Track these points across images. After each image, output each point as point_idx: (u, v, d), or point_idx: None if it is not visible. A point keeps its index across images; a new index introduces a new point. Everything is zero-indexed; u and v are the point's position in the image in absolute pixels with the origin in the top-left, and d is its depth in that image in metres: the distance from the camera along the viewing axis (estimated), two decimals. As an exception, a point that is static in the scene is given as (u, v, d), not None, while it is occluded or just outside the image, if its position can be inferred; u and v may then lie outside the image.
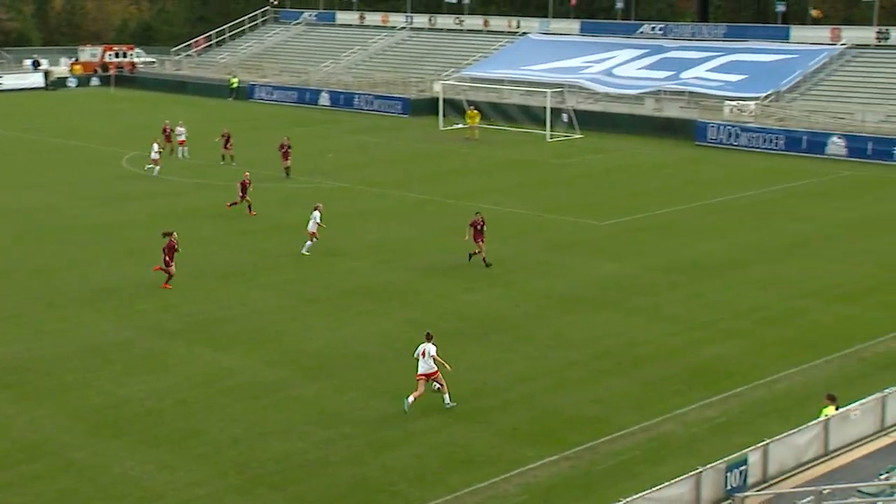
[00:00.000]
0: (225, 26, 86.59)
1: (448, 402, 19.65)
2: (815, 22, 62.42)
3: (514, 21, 73.27)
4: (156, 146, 43.39)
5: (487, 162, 47.10)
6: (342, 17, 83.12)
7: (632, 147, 51.25)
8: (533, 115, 57.29)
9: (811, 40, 59.07)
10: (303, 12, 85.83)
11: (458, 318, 24.94)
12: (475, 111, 53.65)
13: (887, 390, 17.97)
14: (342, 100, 66.23)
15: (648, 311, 25.44)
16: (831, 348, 22.81)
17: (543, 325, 24.47)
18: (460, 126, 56.64)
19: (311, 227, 30.21)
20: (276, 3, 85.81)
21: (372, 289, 27.24)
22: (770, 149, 49.34)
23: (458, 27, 75.57)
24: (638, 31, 66.83)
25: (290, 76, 74.06)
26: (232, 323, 24.50)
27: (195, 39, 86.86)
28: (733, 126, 51.01)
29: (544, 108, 54.79)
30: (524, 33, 71.31)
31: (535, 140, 53.26)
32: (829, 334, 23.76)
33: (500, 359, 22.39)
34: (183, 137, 47.15)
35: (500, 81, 63.43)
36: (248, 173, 36.89)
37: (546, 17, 74.13)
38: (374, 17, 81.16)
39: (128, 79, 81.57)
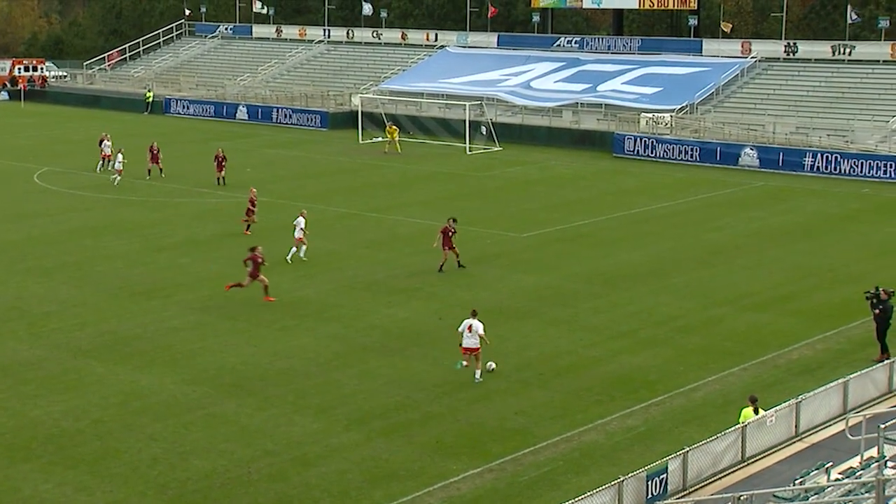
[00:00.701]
0: (139, 39, 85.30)
1: (478, 377, 21.48)
2: (727, 35, 64.03)
3: (432, 34, 73.62)
4: (120, 156, 43.92)
5: (407, 175, 47.12)
6: (259, 30, 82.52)
7: (550, 159, 51.79)
8: (452, 129, 57.55)
9: (723, 53, 60.54)
10: (219, 25, 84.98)
11: (381, 332, 24.85)
12: (394, 126, 53.68)
13: (801, 396, 18.42)
14: (260, 114, 65.69)
15: (569, 322, 25.67)
16: (747, 356, 23.29)
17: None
18: (379, 140, 56.60)
19: (297, 233, 30.75)
20: (190, 15, 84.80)
21: (293, 304, 26.99)
22: (686, 160, 50.35)
23: (376, 41, 75.63)
24: (555, 45, 67.70)
25: (206, 90, 73.19)
26: (149, 341, 24.02)
27: (108, 53, 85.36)
28: (649, 137, 51.94)
29: (463, 121, 55.07)
30: (442, 46, 71.66)
31: (454, 153, 53.46)
32: (744, 342, 24.26)
33: (422, 371, 22.35)
34: (109, 151, 46.04)
35: (419, 94, 63.59)
36: (254, 189, 35.61)
37: (464, 30, 74.65)
38: (291, 31, 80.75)
39: (39, 93, 79.72)
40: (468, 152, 53.36)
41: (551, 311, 26.59)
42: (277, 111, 65.18)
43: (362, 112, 58.67)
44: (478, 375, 21.36)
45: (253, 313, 26.12)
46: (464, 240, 34.14)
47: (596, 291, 28.37)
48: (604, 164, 50.40)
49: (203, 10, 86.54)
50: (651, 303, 27.27)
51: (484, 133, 55.73)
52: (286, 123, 64.08)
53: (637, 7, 66.38)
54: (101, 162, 46.51)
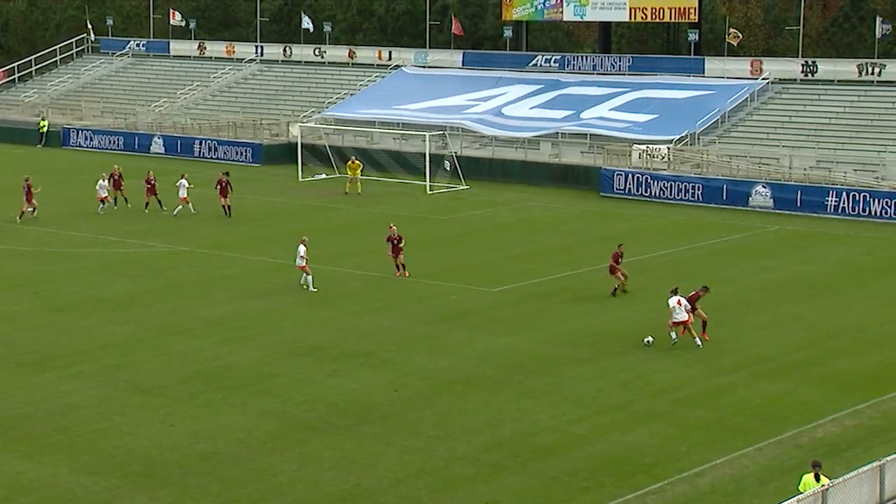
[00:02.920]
0: (31, 57, 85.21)
1: (699, 342, 28.89)
2: (734, 52, 65.16)
3: (384, 52, 74.34)
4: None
5: (356, 218, 47.27)
6: (178, 46, 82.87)
7: (526, 199, 52.15)
8: (409, 164, 57.92)
9: (729, 74, 61.65)
10: (129, 41, 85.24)
11: (325, 406, 24.80)
12: (357, 161, 53.73)
13: (827, 483, 18.54)
14: (179, 146, 65.79)
15: (550, 393, 25.77)
16: (762, 433, 23.46)
17: (427, 412, 24.52)
18: (324, 177, 56.74)
19: (299, 262, 33.93)
20: (92, 29, 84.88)
21: (218, 374, 26.88)
22: (686, 200, 50.95)
23: (318, 59, 76.21)
24: (530, 64, 68.55)
25: (114, 118, 73.21)
26: (41, 422, 23.76)
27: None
28: (643, 174, 52.56)
29: (423, 154, 55.43)
30: (397, 66, 72.33)
31: (412, 192, 53.71)
32: (759, 417, 24.46)
33: (375, 454, 22.31)
34: (106, 193, 47.27)
35: (370, 123, 64.00)
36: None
37: (423, 47, 75.43)
38: (216, 48, 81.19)
39: None
40: (429, 191, 53.64)
41: (528, 379, 26.67)
42: (200, 143, 65.31)
43: (302, 144, 58.92)
44: (698, 341, 28.86)
45: (168, 386, 25.97)
46: (424, 295, 34.28)
47: (581, 356, 28.51)
48: (589, 205, 50.83)
49: (109, 22, 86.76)
50: (647, 369, 27.44)
51: (447, 169, 56.09)
52: (211, 158, 64.18)
53: (627, 20, 67.51)
54: (101, 206, 47.19)
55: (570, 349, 29.08)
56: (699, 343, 28.84)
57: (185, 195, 45.60)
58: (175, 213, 45.17)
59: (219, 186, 46.37)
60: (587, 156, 57.27)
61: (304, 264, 34.30)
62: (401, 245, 36.15)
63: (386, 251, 36.37)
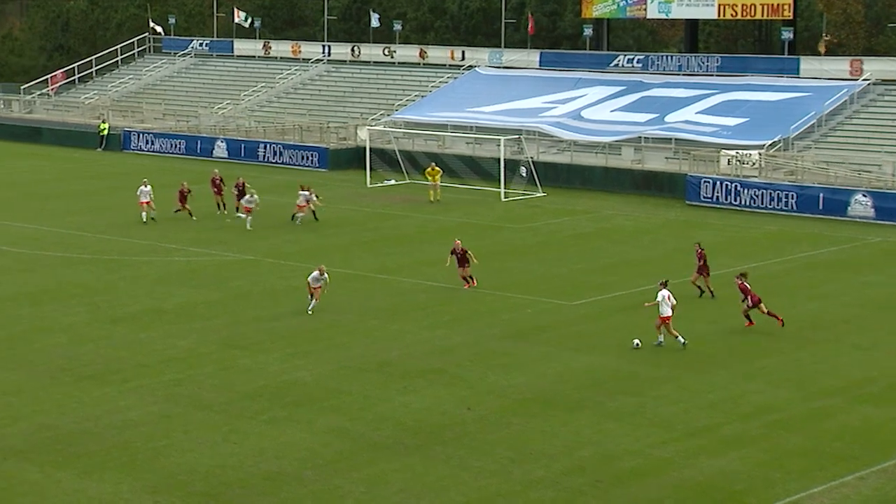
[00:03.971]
0: (91, 58, 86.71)
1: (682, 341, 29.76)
2: (831, 52, 64.26)
3: (457, 52, 74.49)
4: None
5: (427, 228, 47.36)
6: (242, 46, 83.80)
7: (606, 208, 51.90)
8: (483, 170, 57.92)
9: (826, 75, 60.86)
10: (192, 40, 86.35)
11: (395, 425, 24.83)
12: (437, 167, 53.74)
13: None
14: (243, 150, 66.44)
15: (633, 414, 25.57)
16: (864, 461, 23.07)
17: (501, 432, 24.43)
18: (393, 183, 56.97)
19: (314, 285, 33.38)
20: (158, 29, 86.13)
21: (283, 390, 27.05)
22: (779, 209, 50.35)
23: (387, 59, 76.59)
24: (612, 64, 68.27)
25: (176, 121, 74.19)
26: (100, 438, 24.09)
27: (52, 74, 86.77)
28: (732, 181, 52.05)
29: (497, 159, 55.41)
30: (470, 67, 72.44)
31: (485, 200, 53.69)
32: (860, 443, 24.05)
33: (446, 477, 22.28)
34: (149, 198, 47.21)
35: (442, 127, 64.14)
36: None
37: (498, 46, 75.47)
38: (282, 48, 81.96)
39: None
40: (503, 199, 53.59)
41: (610, 399, 26.50)
42: (265, 147, 65.90)
43: (371, 149, 59.21)
44: (681, 339, 29.97)
45: (231, 402, 26.19)
46: (499, 309, 34.23)
47: (666, 375, 28.27)
48: (674, 215, 50.47)
49: (172, 21, 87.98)
50: (737, 391, 27.13)
51: (523, 175, 55.99)
52: (275, 162, 64.75)
53: (716, 17, 66.93)
54: (143, 214, 47.23)
55: (653, 368, 28.84)
56: (683, 341, 29.88)
57: (305, 203, 46.49)
58: (298, 221, 46.56)
59: (236, 190, 47.93)
60: (672, 162, 56.86)
61: (318, 285, 33.35)
62: (467, 258, 36.05)
63: (449, 264, 36.14)
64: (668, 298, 30.12)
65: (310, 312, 33.00)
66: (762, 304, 31.48)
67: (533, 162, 56.70)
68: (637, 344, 30.07)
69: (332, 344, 30.74)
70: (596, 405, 26.12)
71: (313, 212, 47.24)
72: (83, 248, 42.49)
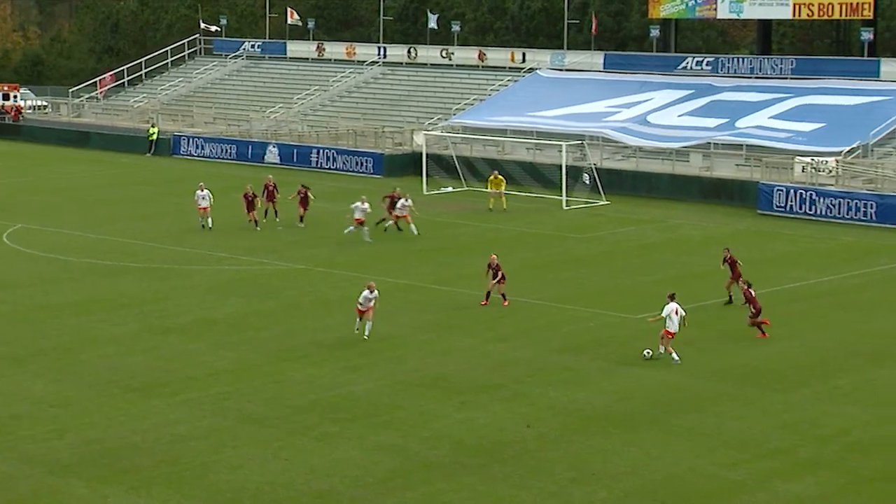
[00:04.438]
0: (140, 60, 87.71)
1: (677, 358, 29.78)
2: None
3: (518, 53, 74.55)
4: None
5: (485, 237, 47.34)
6: (295, 48, 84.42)
7: (673, 217, 51.65)
8: (544, 176, 57.84)
9: (908, 77, 60.18)
10: (244, 42, 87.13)
11: (451, 443, 24.80)
12: (500, 176, 53.65)
13: None
14: (295, 155, 66.87)
15: (701, 433, 25.36)
16: (947, 484, 22.73)
17: (562, 451, 24.34)
18: (451, 190, 57.02)
19: (364, 305, 32.11)
20: (211, 29, 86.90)
21: (335, 404, 27.11)
22: (857, 219, 49.82)
23: (445, 62, 76.79)
24: (680, 67, 67.96)
25: (226, 125, 74.83)
26: (148, 453, 24.27)
27: (101, 77, 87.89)
28: (807, 190, 51.58)
29: (559, 166, 55.31)
30: (531, 69, 72.43)
31: (546, 208, 53.60)
32: (944, 466, 23.69)
33: (505, 497, 22.21)
34: (207, 203, 47.68)
35: (502, 132, 64.14)
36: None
37: (560, 48, 75.35)
38: (336, 49, 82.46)
39: (11, 128, 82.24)
40: (565, 207, 53.47)
41: (677, 418, 26.30)
42: (317, 153, 66.29)
43: (428, 154, 59.32)
44: (675, 357, 29.99)
45: (282, 417, 26.29)
46: (559, 321, 34.12)
47: (737, 394, 28.02)
48: (745, 224, 50.08)
49: (223, 21, 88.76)
50: (813, 411, 26.82)
51: (586, 182, 55.88)
52: (329, 168, 65.09)
53: (790, 17, 66.41)
54: (201, 219, 47.76)
55: (724, 385, 28.60)
56: (677, 359, 29.93)
57: (361, 217, 45.02)
58: (347, 231, 45.64)
59: (299, 197, 48.02)
60: (743, 169, 56.49)
61: (367, 307, 31.85)
62: (500, 273, 35.47)
63: (486, 277, 35.78)
64: (676, 312, 30.13)
65: (366, 337, 31.88)
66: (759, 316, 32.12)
67: (596, 169, 56.54)
68: (648, 353, 30.20)
69: (385, 357, 30.77)
70: (661, 423, 25.92)
71: (395, 222, 46.75)
72: (132, 257, 42.91)
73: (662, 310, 30.34)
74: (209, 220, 47.56)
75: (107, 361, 30.33)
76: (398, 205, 46.47)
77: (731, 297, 35.91)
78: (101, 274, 40.34)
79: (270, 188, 48.71)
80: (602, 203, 54.30)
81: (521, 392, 28.00)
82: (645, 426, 25.79)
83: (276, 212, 48.55)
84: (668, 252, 44.57)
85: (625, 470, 23.44)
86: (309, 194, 48.36)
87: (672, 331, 30.07)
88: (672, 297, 30.48)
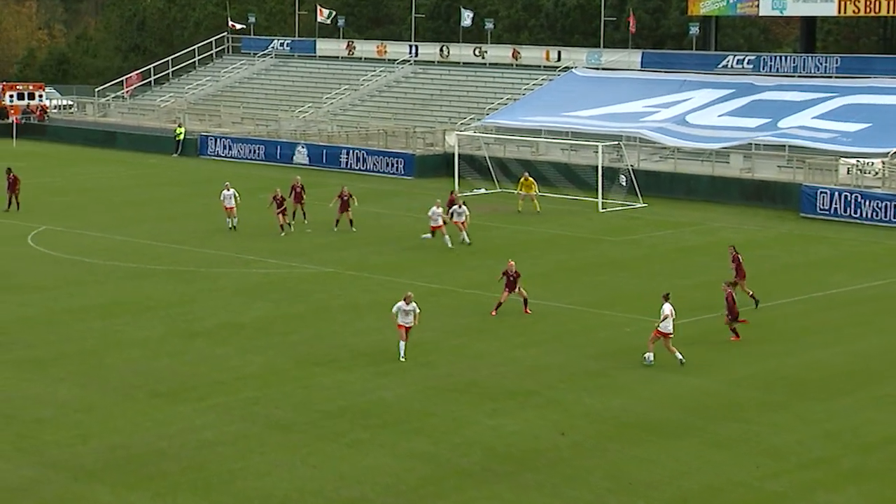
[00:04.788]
0: (167, 58, 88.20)
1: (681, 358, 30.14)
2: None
3: (553, 52, 74.54)
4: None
5: (518, 239, 47.35)
6: (325, 46, 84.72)
7: (713, 220, 51.50)
8: (579, 178, 57.82)
9: (958, 76, 59.80)
10: (272, 40, 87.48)
11: (483, 450, 24.83)
12: (530, 178, 53.58)
13: None
14: (325, 156, 67.10)
15: (741, 442, 25.30)
16: None
17: (597, 460, 24.34)
18: (483, 192, 57.05)
19: (404, 320, 30.48)
20: (237, 27, 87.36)
21: (366, 410, 27.19)
22: (904, 223, 49.57)
23: (478, 60, 76.83)
24: (720, 65, 67.75)
25: (255, 125, 75.15)
26: (174, 459, 24.42)
27: (127, 76, 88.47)
28: (852, 192, 51.33)
29: (595, 167, 55.26)
30: (567, 68, 72.39)
31: (582, 210, 53.55)
32: None
33: (539, 508, 22.24)
34: (233, 203, 47.98)
35: (536, 132, 64.13)
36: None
37: (596, 46, 75.27)
38: (366, 48, 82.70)
39: (36, 128, 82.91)
40: (601, 209, 53.41)
41: (716, 426, 26.25)
42: (347, 153, 66.48)
43: (460, 155, 59.39)
44: (679, 356, 30.16)
45: (311, 423, 26.39)
46: (594, 327, 34.10)
47: (778, 401, 27.93)
48: (787, 228, 49.89)
49: (252, 19, 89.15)
50: (857, 420, 26.70)
51: (623, 184, 55.83)
52: (359, 170, 65.27)
53: (836, 13, 66.04)
54: (227, 219, 48.07)
55: (763, 393, 28.52)
56: (681, 359, 30.05)
57: (441, 224, 44.43)
58: (426, 237, 45.07)
59: (339, 200, 47.42)
60: (785, 171, 56.28)
61: (409, 324, 30.61)
62: (517, 282, 34.88)
63: (502, 283, 35.08)
64: (672, 313, 30.24)
65: (403, 360, 30.45)
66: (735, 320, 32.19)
67: (633, 170, 56.46)
68: (649, 359, 30.18)
69: (417, 363, 30.83)
70: (700, 432, 25.87)
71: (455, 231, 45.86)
72: (158, 259, 43.17)
73: (661, 312, 30.39)
74: (235, 220, 47.82)
75: (132, 365, 30.53)
76: (451, 210, 45.45)
77: (753, 297, 35.93)
78: (127, 276, 40.61)
79: (298, 189, 48.67)
80: (639, 205, 54.21)
81: (555, 399, 28.00)
82: (682, 434, 25.74)
83: (304, 213, 48.65)
84: (707, 256, 44.43)
85: (662, 479, 23.40)
86: (353, 199, 47.51)
87: (667, 332, 30.13)
88: (667, 298, 30.53)
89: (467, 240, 44.90)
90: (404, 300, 30.60)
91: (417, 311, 30.56)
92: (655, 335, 30.32)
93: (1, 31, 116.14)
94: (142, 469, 23.88)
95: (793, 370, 30.31)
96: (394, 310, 30.75)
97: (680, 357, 30.16)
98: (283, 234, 46.75)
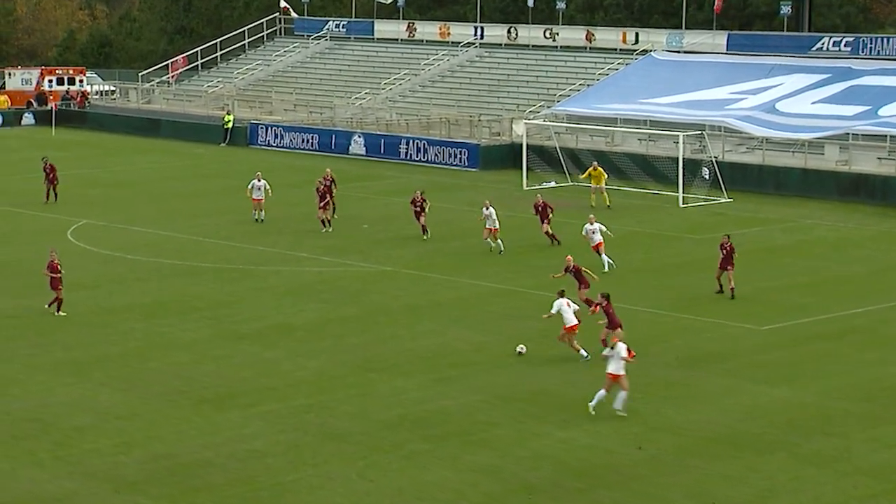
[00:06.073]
0: (215, 41, 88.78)
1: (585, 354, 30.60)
2: None
3: (630, 34, 74.14)
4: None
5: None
6: (384, 28, 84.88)
7: (805, 216, 51.12)
8: (658, 171, 57.55)
9: None
10: (327, 21, 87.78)
11: (553, 465, 24.81)
12: (599, 168, 53.38)
13: None
14: (383, 146, 67.24)
15: (836, 459, 25.10)
16: None
17: (678, 476, 24.24)
18: (553, 185, 56.94)
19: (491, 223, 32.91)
20: (289, 8, 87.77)
21: (425, 420, 27.25)
22: None
23: (549, 43, 76.64)
24: (814, 48, 67.12)
25: (308, 113, 75.48)
26: (221, 470, 24.60)
27: (173, 59, 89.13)
28: (958, 186, 50.72)
29: (675, 159, 54.98)
30: (645, 51, 72.03)
31: (660, 205, 53.31)
32: None
33: (613, 527, 22.19)
34: (262, 195, 48.47)
35: (611, 121, 63.89)
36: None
37: (678, 27, 74.86)
38: (429, 29, 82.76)
39: (76, 115, 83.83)
40: (682, 205, 53.13)
41: (808, 441, 26.06)
42: (407, 143, 66.58)
43: (528, 145, 59.31)
44: (583, 353, 30.65)
45: (367, 433, 26.48)
46: (674, 332, 33.94)
47: (878, 414, 27.68)
48: (888, 225, 49.41)
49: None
50: (963, 435, 26.37)
51: (706, 177, 55.49)
52: (419, 161, 65.34)
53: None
54: (255, 212, 48.59)
55: (861, 405, 28.25)
56: (584, 355, 30.66)
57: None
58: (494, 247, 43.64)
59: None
60: (886, 163, 55.72)
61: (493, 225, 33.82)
62: (584, 276, 34.83)
63: (560, 277, 34.98)
64: (569, 305, 30.86)
65: (621, 413, 27.43)
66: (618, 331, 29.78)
67: (717, 162, 56.10)
68: (521, 350, 31.41)
69: (480, 369, 30.83)
70: (791, 447, 25.68)
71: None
72: (204, 256, 43.49)
73: (552, 307, 30.82)
74: (262, 213, 48.16)
75: (177, 369, 30.80)
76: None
77: (721, 287, 37.46)
78: (171, 274, 40.95)
79: (328, 182, 48.03)
80: (723, 200, 53.86)
81: (632, 410, 27.85)
82: (771, 450, 25.57)
83: (333, 206, 48.10)
84: (798, 256, 44.08)
85: (749, 498, 23.27)
86: (426, 205, 45.81)
87: (570, 325, 30.68)
88: (562, 294, 31.10)
89: (501, 247, 43.63)
90: (560, 297, 31.21)
91: (623, 354, 27.39)
92: (567, 331, 30.93)
93: (40, 11, 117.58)
94: (187, 481, 24.08)
95: (888, 380, 29.98)
96: (553, 309, 31.00)
97: (584, 354, 30.87)
98: (324, 230, 46.81)
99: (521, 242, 45.18)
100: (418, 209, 45.73)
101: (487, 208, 43.78)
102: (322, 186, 47.48)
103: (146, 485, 23.90)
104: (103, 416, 27.48)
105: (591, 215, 42.26)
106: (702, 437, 26.32)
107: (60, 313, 35.32)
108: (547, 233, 44.86)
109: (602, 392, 27.25)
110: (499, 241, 43.68)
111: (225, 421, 27.21)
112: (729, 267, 37.23)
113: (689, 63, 69.68)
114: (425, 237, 45.56)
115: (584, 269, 35.23)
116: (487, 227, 43.80)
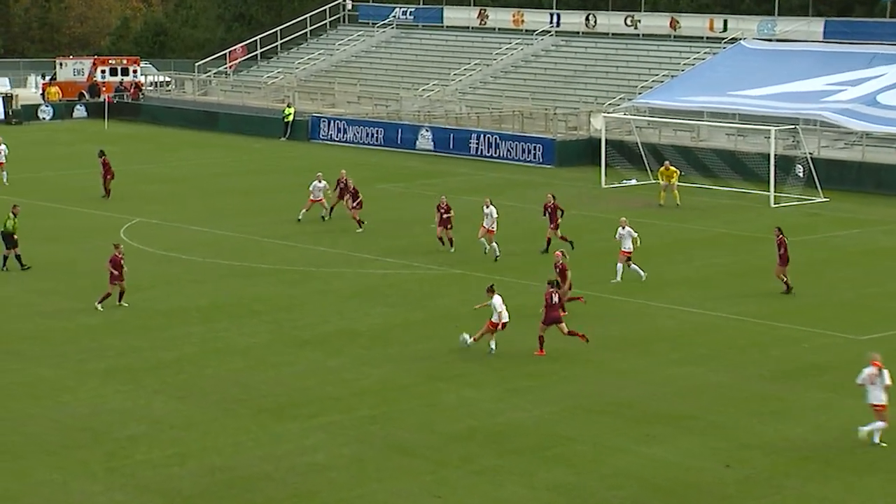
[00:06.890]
0: (276, 29, 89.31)
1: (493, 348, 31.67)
2: None
3: (718, 21, 73.71)
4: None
5: (675, 238, 47.01)
6: (453, 15, 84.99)
7: (908, 218, 50.63)
8: (747, 168, 57.21)
9: None
10: (394, 8, 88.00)
11: (636, 483, 24.67)
12: (672, 167, 53.17)
13: None
14: (452, 141, 67.30)
15: (942, 481, 24.75)
16: None
17: (772, 497, 24.06)
18: (634, 183, 56.68)
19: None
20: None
21: (498, 433, 27.18)
22: None
23: (630, 31, 76.38)
24: (918, 36, 66.40)
25: (373, 105, 75.70)
26: (281, 484, 24.67)
27: (231, 49, 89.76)
28: None
29: (766, 156, 54.59)
30: (734, 39, 71.62)
31: (750, 205, 52.95)
32: None
33: (700, 551, 22.01)
34: (321, 195, 48.75)
35: (697, 115, 63.53)
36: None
37: (770, 13, 74.30)
38: (501, 17, 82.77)
39: (130, 108, 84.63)
40: (773, 204, 52.74)
41: (910, 461, 25.72)
42: (478, 138, 66.59)
43: (608, 141, 59.11)
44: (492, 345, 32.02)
45: (435, 446, 26.44)
46: (766, 342, 33.64)
47: None
48: None
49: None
50: None
51: (800, 175, 55.10)
52: (490, 157, 65.32)
53: None
54: (303, 210, 48.97)
55: (968, 422, 27.82)
56: (493, 348, 32.00)
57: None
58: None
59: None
60: None
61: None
62: (566, 279, 35.16)
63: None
64: (501, 303, 32.02)
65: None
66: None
67: (812, 159, 55.66)
68: (465, 340, 32.31)
69: (557, 379, 30.72)
70: (891, 468, 25.40)
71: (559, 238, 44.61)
72: (263, 257, 43.68)
73: (493, 306, 32.11)
74: (305, 212, 48.42)
75: (234, 377, 30.92)
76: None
77: (787, 285, 38.09)
78: (229, 276, 41.16)
79: (343, 183, 48.15)
80: (819, 200, 53.46)
81: (719, 425, 27.68)
82: (872, 470, 25.31)
83: (332, 207, 48.56)
84: (900, 260, 43.69)
85: (846, 521, 23.02)
86: (451, 212, 44.33)
87: (496, 321, 31.94)
88: (491, 289, 32.53)
89: (497, 251, 42.89)
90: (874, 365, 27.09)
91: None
92: (490, 326, 32.07)
93: (91, 1, 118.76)
94: (244, 494, 24.17)
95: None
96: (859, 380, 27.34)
97: (492, 347, 32.06)
98: (360, 230, 46.86)
99: (603, 245, 44.96)
100: (445, 215, 43.90)
101: (488, 206, 43.23)
102: (350, 184, 47.76)
103: (201, 499, 24.01)
104: (157, 426, 27.64)
105: (623, 218, 40.76)
106: (797, 455, 26.06)
107: (123, 304, 36.36)
108: (550, 238, 43.78)
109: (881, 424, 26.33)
110: (494, 244, 43.08)
111: (285, 432, 27.28)
112: (783, 263, 38.18)
113: (782, 52, 69.19)
114: (452, 250, 43.90)
115: (569, 279, 35.61)
116: (484, 226, 43.27)
